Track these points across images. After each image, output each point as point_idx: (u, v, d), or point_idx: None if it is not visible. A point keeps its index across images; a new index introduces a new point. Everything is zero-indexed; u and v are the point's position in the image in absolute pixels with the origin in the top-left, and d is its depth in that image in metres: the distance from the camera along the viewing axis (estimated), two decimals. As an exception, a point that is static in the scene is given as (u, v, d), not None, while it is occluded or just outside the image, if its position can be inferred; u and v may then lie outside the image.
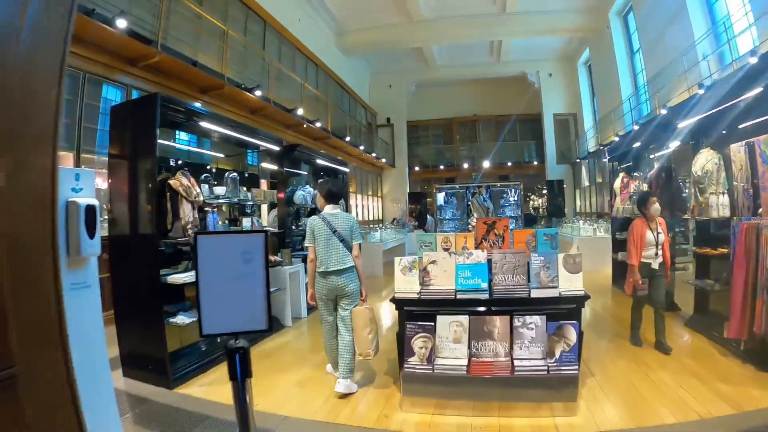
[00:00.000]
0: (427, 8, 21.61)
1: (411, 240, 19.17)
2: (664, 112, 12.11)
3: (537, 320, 4.56)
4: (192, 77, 11.38)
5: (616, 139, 16.86)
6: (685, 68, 13.55)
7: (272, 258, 8.46)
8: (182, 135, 8.79)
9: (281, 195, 9.50)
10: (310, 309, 8.91)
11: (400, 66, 27.75)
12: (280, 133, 15.44)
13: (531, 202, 25.91)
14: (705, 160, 7.03)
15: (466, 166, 28.11)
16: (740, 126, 6.49)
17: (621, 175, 10.70)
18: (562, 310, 4.72)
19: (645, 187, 9.38)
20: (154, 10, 10.55)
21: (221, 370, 6.12)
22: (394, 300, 5.09)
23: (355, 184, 24.04)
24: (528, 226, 19.56)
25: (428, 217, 23.47)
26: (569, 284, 4.81)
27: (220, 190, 7.25)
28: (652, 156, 9.81)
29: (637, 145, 10.34)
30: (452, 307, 4.84)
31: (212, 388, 5.52)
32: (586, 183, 24.73)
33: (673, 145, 8.77)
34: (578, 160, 25.82)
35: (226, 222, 7.48)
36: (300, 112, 15.70)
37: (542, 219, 23.16)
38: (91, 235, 3.61)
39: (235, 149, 9.29)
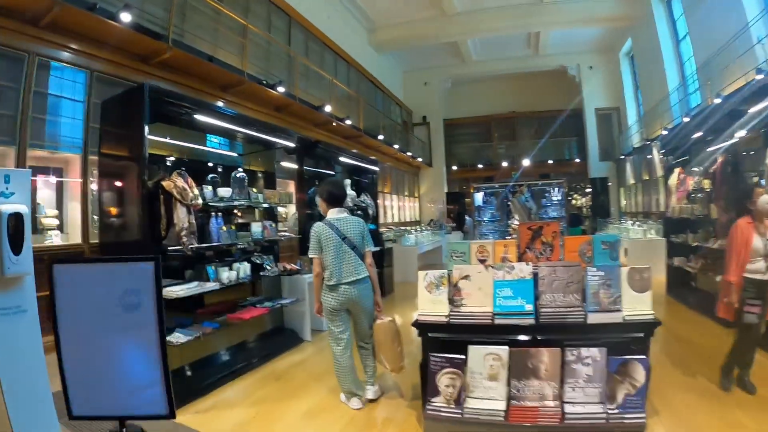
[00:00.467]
0: (460, 1, 20.64)
1: (448, 242, 18.30)
2: (717, 100, 10.90)
3: (595, 354, 3.63)
4: (209, 74, 10.66)
5: (664, 132, 15.71)
6: (739, 53, 12.20)
7: (289, 266, 7.68)
8: (213, 138, 8.04)
9: (302, 196, 8.66)
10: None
11: (434, 62, 26.70)
12: (309, 131, 14.72)
13: (573, 202, 24.69)
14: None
15: (504, 164, 26.87)
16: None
17: (676, 170, 9.64)
18: (626, 340, 3.78)
19: (706, 183, 8.30)
20: (167, 4, 9.84)
21: (223, 393, 5.47)
22: (417, 324, 4.20)
23: (390, 184, 23.27)
24: (573, 227, 18.60)
25: (466, 218, 22.57)
26: (635, 306, 3.85)
27: (224, 191, 6.44)
28: (711, 148, 8.74)
29: (696, 135, 9.17)
30: (488, 334, 3.93)
31: (210, 415, 4.80)
32: (631, 181, 23.29)
33: (739, 134, 7.73)
34: (622, 157, 24.36)
35: (233, 228, 6.63)
36: (328, 109, 14.83)
37: (586, 219, 21.94)
38: (17, 251, 2.78)
39: (254, 148, 8.50)
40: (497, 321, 3.94)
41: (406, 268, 13.08)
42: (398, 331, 4.79)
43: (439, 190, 27.49)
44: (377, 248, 10.57)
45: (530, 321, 3.88)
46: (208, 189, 6.21)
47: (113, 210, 5.29)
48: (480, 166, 27.88)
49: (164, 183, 5.34)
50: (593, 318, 3.80)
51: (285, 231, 8.16)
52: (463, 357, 3.83)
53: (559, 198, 13.95)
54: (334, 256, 4.63)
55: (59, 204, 8.13)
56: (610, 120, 26.37)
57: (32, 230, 7.26)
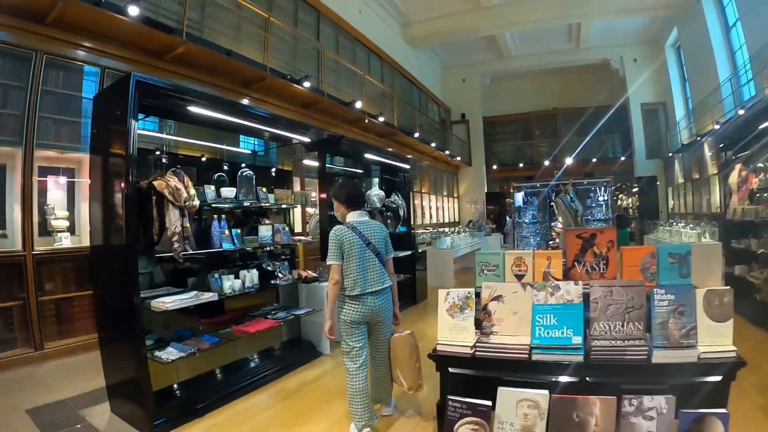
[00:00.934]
0: (495, -8, 19.77)
1: (488, 244, 17.45)
2: None
3: (661, 404, 2.78)
4: (229, 69, 10.03)
5: (717, 126, 14.67)
6: None
7: (306, 273, 6.99)
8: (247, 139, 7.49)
9: (323, 196, 7.94)
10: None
11: (472, 58, 25.78)
12: (340, 129, 14.03)
13: (619, 202, 23.50)
14: None
15: (546, 163, 25.71)
16: None
17: (738, 167, 8.63)
18: (701, 384, 2.93)
19: (773, 181, 7.33)
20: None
21: (220, 416, 4.88)
22: (434, 355, 3.43)
23: (428, 184, 22.48)
24: (621, 229, 17.48)
25: (507, 219, 21.65)
26: (713, 340, 3.01)
27: (228, 191, 5.79)
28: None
29: (763, 125, 8.10)
30: (524, 373, 3.13)
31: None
32: (680, 180, 22.01)
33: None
34: (670, 154, 23.05)
35: (239, 231, 5.96)
36: (359, 105, 14.09)
37: (633, 221, 20.70)
38: None
39: (270, 145, 7.84)
40: (536, 356, 3.12)
41: (441, 272, 12.31)
42: (416, 346, 4.35)
43: (479, 189, 26.61)
44: (409, 252, 9.94)
45: (578, 358, 3.05)
46: (210, 189, 5.64)
47: (102, 212, 4.72)
48: (521, 165, 26.82)
49: (156, 183, 4.80)
50: (660, 356, 2.95)
51: (301, 235, 7.43)
52: (489, 403, 3.04)
53: (606, 198, 12.97)
54: (358, 263, 4.21)
55: (70, 205, 7.70)
56: (656, 115, 25.02)
57: (42, 232, 7.17)
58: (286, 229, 6.70)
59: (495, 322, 3.35)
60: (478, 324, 3.43)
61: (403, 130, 17.67)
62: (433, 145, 20.26)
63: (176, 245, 4.82)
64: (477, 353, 3.26)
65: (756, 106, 9.25)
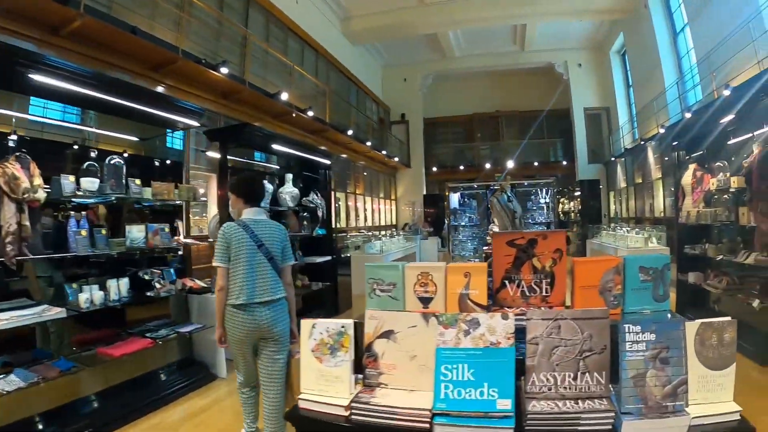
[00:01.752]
0: (439, -13, 18.94)
1: (424, 248, 16.47)
2: (726, 92, 9.10)
3: None
4: (135, 49, 8.61)
5: (662, 131, 14.15)
6: (753, 37, 10.55)
7: (192, 283, 5.79)
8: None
9: (221, 192, 6.75)
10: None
11: (414, 57, 24.91)
12: (265, 123, 12.83)
13: (561, 206, 22.91)
14: None
15: (488, 166, 24.76)
16: None
17: (692, 167, 7.80)
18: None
19: (735, 181, 6.44)
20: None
21: None
22: (294, 415, 2.26)
23: (363, 185, 21.37)
24: None
25: (446, 222, 20.84)
26: (707, 397, 1.96)
27: (89, 183, 4.56)
28: (738, 139, 6.93)
29: (726, 119, 7.14)
30: (423, 454, 1.95)
31: None
32: (623, 184, 21.64)
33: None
34: (612, 159, 22.72)
35: (104, 232, 4.74)
36: (284, 97, 12.86)
37: (575, 225, 19.95)
38: None
39: (157, 130, 6.58)
40: (440, 429, 1.94)
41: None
42: None
43: (418, 192, 25.63)
44: (329, 257, 8.94)
45: (508, 429, 1.89)
46: (69, 180, 4.46)
47: None
48: (461, 167, 25.91)
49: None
50: (633, 428, 1.84)
51: (182, 239, 6.17)
52: None
53: (547, 200, 12.12)
54: (245, 267, 3.64)
55: None
56: (599, 120, 24.89)
57: None
58: (167, 230, 5.51)
59: (383, 370, 2.22)
60: (361, 369, 2.29)
61: (336, 127, 16.51)
62: (368, 144, 19.09)
63: (9, 248, 3.85)
64: (354, 416, 2.08)
65: (709, 107, 8.42)
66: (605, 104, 24.07)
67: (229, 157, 7.07)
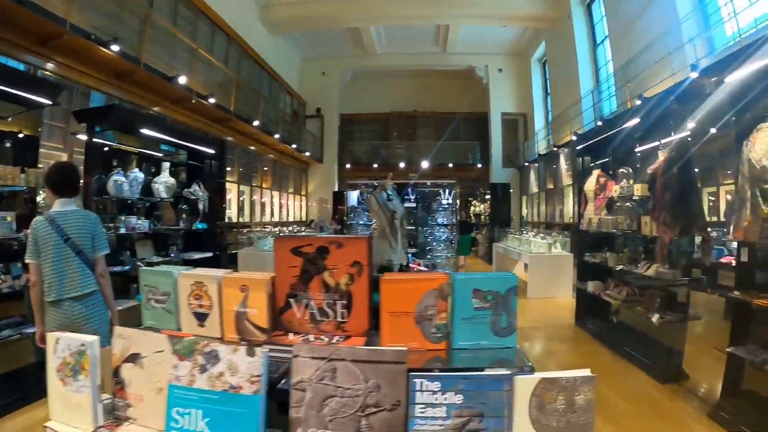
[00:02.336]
0: (365, -19, 18.32)
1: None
2: (638, 102, 9.01)
3: None
4: (17, 19, 7.51)
5: (574, 138, 14.00)
6: (669, 51, 10.49)
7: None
8: None
9: (87, 179, 5.87)
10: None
11: (335, 52, 24.09)
12: (164, 109, 12.07)
13: (472, 208, 22.68)
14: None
15: (402, 165, 24.34)
16: None
17: (596, 173, 7.42)
18: None
19: (639, 189, 6.04)
20: None
21: None
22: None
23: (270, 179, 20.34)
24: (462, 235, 16.47)
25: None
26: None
27: None
28: (641, 148, 6.58)
29: (631, 123, 6.78)
30: None
31: None
32: (535, 189, 21.62)
33: (692, 126, 5.56)
34: (526, 164, 22.74)
35: None
36: (183, 81, 11.85)
37: (484, 227, 19.66)
38: None
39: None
40: None
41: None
42: None
43: (329, 188, 24.71)
44: (210, 254, 8.15)
45: None
46: None
47: None
48: (375, 165, 25.04)
49: None
50: None
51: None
52: None
53: (450, 202, 11.65)
54: (53, 263, 3.47)
55: None
56: (516, 126, 24.99)
57: None
58: (9, 219, 4.71)
59: (131, 401, 1.54)
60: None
61: (241, 117, 15.55)
62: (276, 136, 18.08)
63: None
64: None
65: (621, 116, 8.09)
66: (523, 110, 24.11)
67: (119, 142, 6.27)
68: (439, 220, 11.77)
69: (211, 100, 13.28)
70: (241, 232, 14.35)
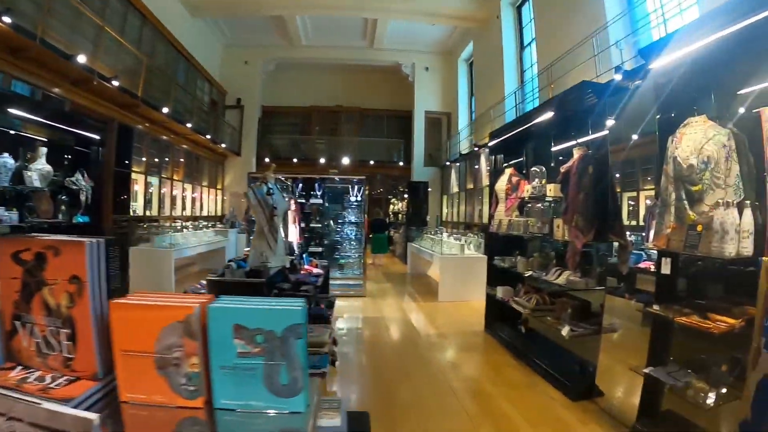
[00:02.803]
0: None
1: (235, 243, 14.69)
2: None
3: None
4: None
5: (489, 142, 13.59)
6: (595, 51, 10.37)
7: None
8: None
9: None
10: None
11: (259, 40, 22.96)
12: (65, 90, 10.97)
13: (391, 206, 22.06)
14: (702, 138, 3.25)
15: (323, 160, 23.53)
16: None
17: (508, 171, 6.82)
18: None
19: (552, 189, 5.47)
20: None
21: None
22: None
23: (182, 171, 18.91)
24: (377, 233, 15.89)
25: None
26: None
27: None
28: (557, 147, 6.04)
29: (544, 118, 6.16)
30: None
31: None
32: (455, 189, 21.19)
33: (612, 124, 5.04)
34: (448, 163, 22.30)
35: None
36: (82, 59, 10.65)
37: (401, 226, 18.96)
38: None
39: None
40: None
41: (155, 275, 9.48)
42: None
43: (246, 182, 23.10)
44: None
45: None
46: None
47: None
48: (295, 160, 23.98)
49: None
50: None
51: None
52: None
53: (359, 199, 10.93)
54: None
55: None
56: (439, 125, 24.55)
57: None
58: None
59: None
60: None
61: (149, 103, 14.37)
62: (189, 125, 16.88)
63: None
64: None
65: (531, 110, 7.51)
66: (447, 110, 23.79)
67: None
68: (350, 218, 11.06)
69: (115, 83, 12.10)
70: (144, 227, 13.25)
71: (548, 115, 5.86)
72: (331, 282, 10.67)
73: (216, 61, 22.93)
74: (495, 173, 7.38)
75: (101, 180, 7.63)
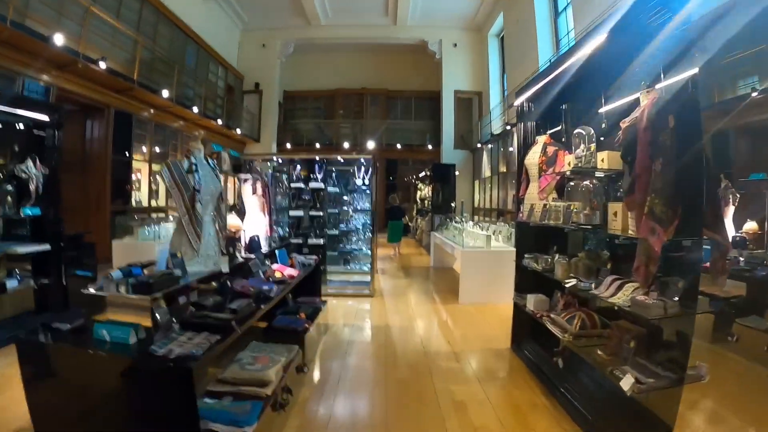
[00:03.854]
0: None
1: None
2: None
3: None
4: None
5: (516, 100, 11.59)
6: None
7: None
8: None
9: None
10: None
11: (276, 22, 21.21)
12: (53, 76, 9.99)
13: (418, 192, 20.09)
14: None
15: (347, 145, 21.79)
16: None
17: (542, 140, 4.87)
18: None
19: (605, 158, 3.50)
20: None
21: None
22: None
23: (198, 158, 17.18)
24: (393, 220, 14.26)
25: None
26: None
27: None
28: (611, 104, 4.01)
29: (579, 76, 4.07)
30: None
31: None
32: (488, 173, 19.14)
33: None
34: (479, 146, 20.25)
35: None
36: (59, 41, 9.31)
37: (427, 213, 16.89)
38: None
39: None
40: None
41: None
42: None
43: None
44: (48, 246, 5.67)
45: None
46: None
47: None
48: (318, 146, 22.33)
49: None
50: None
51: None
52: None
53: (367, 183, 8.95)
54: None
55: None
56: (470, 105, 22.42)
57: None
58: None
59: None
60: None
61: (148, 87, 12.85)
62: (195, 110, 15.31)
63: None
64: None
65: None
66: (478, 89, 21.73)
67: None
68: (357, 205, 9.11)
69: (102, 65, 10.66)
70: (136, 218, 11.72)
71: (596, 50, 3.87)
72: (333, 279, 8.90)
73: (233, 46, 21.49)
74: (524, 145, 5.37)
75: (57, 167, 6.10)
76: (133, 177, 13.28)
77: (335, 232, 8.91)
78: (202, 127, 16.85)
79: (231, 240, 4.56)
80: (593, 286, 3.67)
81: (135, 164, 13.27)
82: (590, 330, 3.85)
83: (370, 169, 8.79)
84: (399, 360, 5.30)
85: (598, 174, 3.84)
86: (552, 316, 4.24)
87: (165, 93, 13.24)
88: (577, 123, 4.34)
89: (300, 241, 8.56)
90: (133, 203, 13.12)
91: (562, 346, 4.11)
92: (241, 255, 4.77)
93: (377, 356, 5.42)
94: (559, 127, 4.87)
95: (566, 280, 4.01)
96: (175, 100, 14.08)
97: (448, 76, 21.85)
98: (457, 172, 17.94)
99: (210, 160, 4.19)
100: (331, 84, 23.76)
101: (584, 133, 3.92)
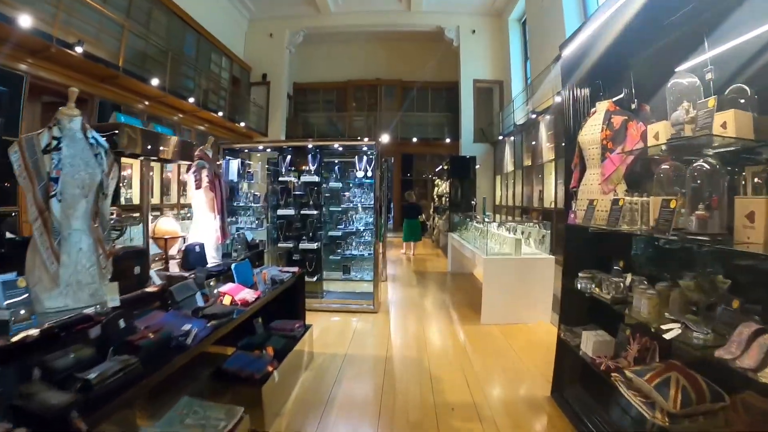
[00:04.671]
0: None
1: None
2: None
3: None
4: None
5: (558, 99, 10.02)
6: None
7: None
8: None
9: None
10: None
11: (283, 10, 19.83)
12: (32, 66, 8.99)
13: (436, 188, 18.59)
14: None
15: (360, 139, 20.23)
16: None
17: (603, 108, 3.28)
18: None
19: (730, 118, 1.99)
20: None
21: None
22: None
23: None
24: (409, 219, 12.98)
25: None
26: None
27: None
28: (712, 53, 2.46)
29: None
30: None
31: None
32: (510, 167, 17.48)
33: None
34: (501, 138, 18.59)
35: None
36: (26, 22, 8.06)
37: (445, 211, 15.27)
38: None
39: None
40: None
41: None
42: None
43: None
44: None
45: None
46: None
47: None
48: (330, 139, 20.83)
49: None
50: None
51: None
52: None
53: (369, 175, 7.28)
54: None
55: None
56: (490, 96, 20.80)
57: None
58: None
59: None
60: None
61: (135, 75, 11.51)
62: (191, 100, 13.86)
63: None
64: None
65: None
66: (499, 78, 20.02)
67: None
68: (357, 201, 7.47)
69: (78, 49, 9.40)
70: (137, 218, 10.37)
71: None
72: (330, 291, 7.36)
73: (239, 36, 20.20)
74: (574, 118, 3.79)
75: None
76: (122, 173, 11.92)
77: (337, 233, 7.36)
78: (202, 119, 15.42)
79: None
80: (704, 334, 2.12)
81: (124, 160, 11.89)
82: (696, 407, 2.29)
83: (373, 160, 7.13)
84: (398, 418, 3.73)
85: (709, 153, 2.29)
86: (629, 374, 2.66)
87: (155, 81, 11.84)
88: (646, 88, 2.80)
89: (291, 245, 7.07)
90: (123, 201, 11.77)
91: (650, 426, 2.53)
92: (162, 276, 3.31)
93: (370, 411, 3.86)
94: (620, 96, 3.31)
95: (663, 325, 2.42)
96: (168, 89, 12.69)
97: (466, 64, 20.24)
98: (477, 165, 16.34)
99: (92, 133, 2.69)
100: (342, 75, 22.39)
101: (686, 83, 2.36)
